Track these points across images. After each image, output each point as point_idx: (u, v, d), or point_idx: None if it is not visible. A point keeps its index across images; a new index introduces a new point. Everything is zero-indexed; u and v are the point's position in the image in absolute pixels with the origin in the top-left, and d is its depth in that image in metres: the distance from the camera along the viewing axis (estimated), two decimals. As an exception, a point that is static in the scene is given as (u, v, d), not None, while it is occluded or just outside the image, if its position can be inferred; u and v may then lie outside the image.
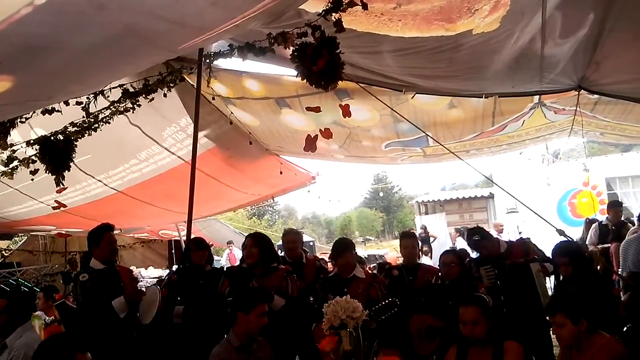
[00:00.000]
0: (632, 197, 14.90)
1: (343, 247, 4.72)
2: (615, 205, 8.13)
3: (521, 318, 4.53)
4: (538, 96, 5.88)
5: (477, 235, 5.15)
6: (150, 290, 4.63)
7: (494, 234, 9.15)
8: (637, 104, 5.76)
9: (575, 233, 8.08)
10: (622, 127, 7.45)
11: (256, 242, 4.68)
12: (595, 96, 5.67)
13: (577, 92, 5.44)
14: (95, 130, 5.10)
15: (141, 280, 10.32)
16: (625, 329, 3.87)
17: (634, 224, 7.01)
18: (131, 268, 12.22)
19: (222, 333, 3.72)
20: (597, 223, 8.14)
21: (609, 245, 7.25)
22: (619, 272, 5.54)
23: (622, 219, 7.98)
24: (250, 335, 3.57)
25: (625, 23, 3.81)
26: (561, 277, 4.75)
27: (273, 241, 5.29)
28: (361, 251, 20.93)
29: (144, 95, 4.97)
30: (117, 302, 4.28)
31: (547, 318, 3.09)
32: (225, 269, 5.39)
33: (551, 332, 4.93)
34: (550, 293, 4.69)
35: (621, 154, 16.94)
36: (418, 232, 15.90)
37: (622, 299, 4.72)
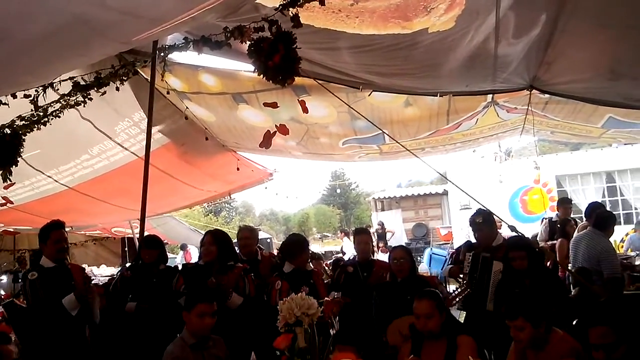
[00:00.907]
0: (581, 194, 15.43)
1: (304, 245, 4.80)
2: (564, 202, 8.39)
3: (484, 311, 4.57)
4: (491, 95, 6.00)
5: (480, 218, 4.93)
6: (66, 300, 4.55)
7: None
8: (586, 104, 5.93)
9: (526, 229, 8.29)
10: (572, 126, 7.68)
11: (215, 240, 4.62)
12: (547, 96, 5.81)
13: (529, 92, 5.58)
14: (44, 124, 4.92)
15: (94, 279, 10.07)
16: (574, 322, 3.99)
17: (582, 220, 7.23)
18: (83, 266, 11.95)
19: (176, 331, 3.64)
20: (547, 219, 8.38)
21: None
22: (569, 268, 5.70)
23: (572, 215, 8.24)
24: (201, 334, 3.51)
25: (576, 23, 3.91)
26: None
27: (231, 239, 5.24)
28: (318, 247, 21.02)
29: (95, 89, 4.82)
30: (67, 300, 4.19)
31: (507, 320, 3.09)
32: (181, 266, 5.28)
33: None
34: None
35: (571, 153, 17.53)
36: (375, 228, 16.07)
37: (572, 293, 4.88)
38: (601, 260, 5.30)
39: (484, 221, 4.85)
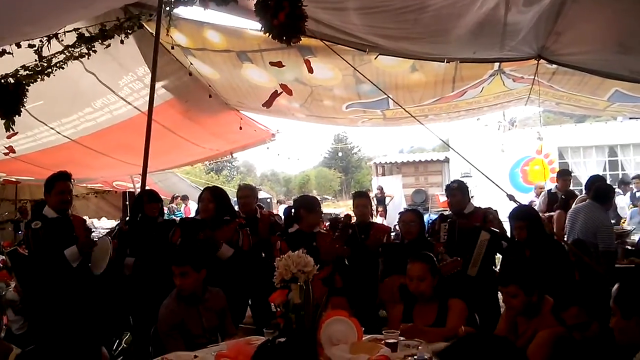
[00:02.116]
0: (583, 167, 15.45)
1: (316, 204, 4.75)
2: (564, 174, 8.41)
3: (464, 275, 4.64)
4: (498, 63, 5.95)
5: (455, 184, 5.12)
6: (101, 241, 4.58)
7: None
8: (593, 76, 5.88)
9: (525, 199, 8.34)
10: (577, 98, 7.63)
11: (214, 197, 4.68)
12: (554, 66, 5.75)
13: (536, 61, 5.52)
14: (48, 75, 4.90)
15: (94, 231, 10.18)
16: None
17: (581, 193, 7.26)
18: (84, 218, 12.06)
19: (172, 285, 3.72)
20: (546, 191, 8.41)
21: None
22: (565, 240, 5.75)
23: (571, 187, 8.27)
24: (191, 291, 3.58)
25: (588, -5, 3.87)
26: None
27: (230, 197, 5.30)
28: (318, 210, 21.12)
29: (100, 41, 4.78)
30: (69, 252, 4.23)
31: (500, 287, 3.14)
32: (179, 220, 5.35)
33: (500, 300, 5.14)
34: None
35: (575, 125, 17.48)
36: (374, 192, 16.13)
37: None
38: (598, 233, 5.34)
39: (458, 187, 5.05)
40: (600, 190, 5.78)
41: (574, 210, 5.99)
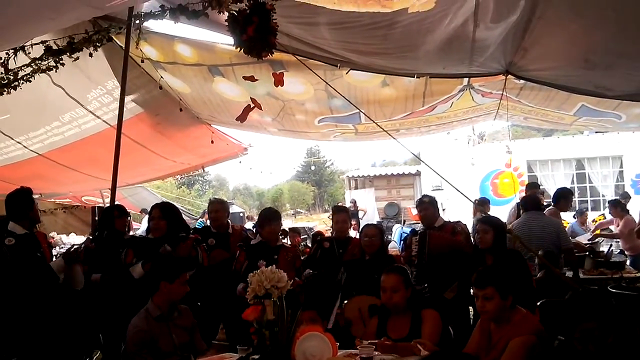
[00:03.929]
0: (551, 179, 15.77)
1: (273, 216, 4.82)
2: (532, 187, 8.56)
3: (439, 288, 4.69)
4: (467, 79, 6.04)
5: (427, 198, 5.28)
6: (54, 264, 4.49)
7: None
8: (560, 91, 6.03)
9: (496, 212, 8.45)
10: (545, 113, 7.80)
11: (164, 215, 4.51)
12: (522, 81, 5.88)
13: (504, 77, 5.64)
14: (14, 88, 4.80)
15: (62, 247, 9.95)
16: (538, 304, 4.09)
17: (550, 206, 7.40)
18: (52, 234, 11.79)
19: (139, 303, 3.62)
20: (515, 203, 8.53)
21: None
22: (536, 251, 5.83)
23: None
24: (172, 303, 3.54)
25: (553, 11, 3.96)
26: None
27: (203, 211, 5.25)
28: (291, 223, 21.07)
29: (68, 54, 4.71)
30: (55, 264, 4.21)
31: (474, 289, 3.13)
32: (127, 239, 5.15)
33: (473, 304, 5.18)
34: None
35: (543, 139, 17.86)
36: (348, 205, 16.18)
37: (538, 275, 5.00)
38: (560, 233, 5.69)
39: (429, 202, 5.19)
40: (557, 192, 6.50)
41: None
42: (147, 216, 14.19)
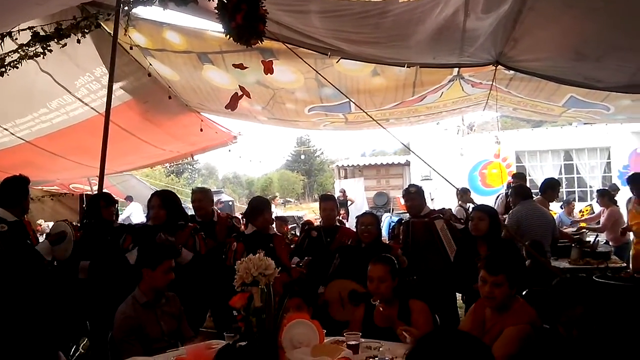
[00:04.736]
0: (539, 170, 15.88)
1: (263, 206, 4.80)
2: (519, 177, 8.65)
3: (426, 277, 4.74)
4: (457, 69, 6.06)
5: (414, 188, 5.38)
6: (58, 225, 4.58)
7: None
8: (549, 82, 6.06)
9: (482, 202, 8.51)
10: (534, 104, 7.84)
11: (164, 204, 4.54)
12: (511, 72, 5.90)
13: (494, 67, 5.66)
14: (1, 74, 4.78)
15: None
16: (524, 292, 4.14)
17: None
18: (39, 222, 11.71)
19: (128, 290, 3.64)
20: (503, 193, 8.59)
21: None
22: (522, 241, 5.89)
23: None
24: (157, 290, 3.55)
25: (544, 3, 3.97)
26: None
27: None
28: (281, 212, 21.12)
29: (55, 40, 4.67)
30: (41, 246, 4.23)
31: (483, 274, 3.12)
32: (126, 226, 5.17)
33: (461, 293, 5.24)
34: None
35: (531, 129, 17.92)
36: (337, 195, 16.21)
37: (526, 264, 5.06)
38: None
39: (416, 192, 5.30)
40: (545, 182, 6.69)
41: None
42: (131, 203, 14.20)
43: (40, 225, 11.49)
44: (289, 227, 9.47)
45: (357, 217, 5.04)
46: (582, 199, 15.07)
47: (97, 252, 4.54)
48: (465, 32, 4.60)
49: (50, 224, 12.25)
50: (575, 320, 2.50)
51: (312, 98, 7.12)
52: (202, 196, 5.31)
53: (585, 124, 13.69)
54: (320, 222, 5.73)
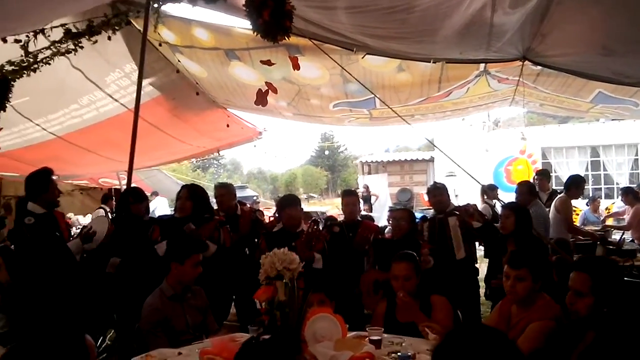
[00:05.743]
0: (565, 167, 15.64)
1: (290, 201, 4.86)
2: (542, 174, 8.52)
3: (448, 271, 4.73)
4: (484, 64, 6.01)
5: (438, 184, 5.42)
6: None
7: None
8: (576, 78, 5.97)
9: (508, 198, 8.43)
10: (561, 100, 7.73)
11: (191, 196, 4.63)
12: (539, 67, 5.83)
13: (521, 63, 5.59)
14: (34, 71, 4.88)
15: (79, 228, 10.08)
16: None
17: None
18: (69, 215, 11.96)
19: (156, 283, 3.71)
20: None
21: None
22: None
23: (554, 187, 8.39)
24: (185, 284, 3.60)
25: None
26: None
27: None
28: (305, 208, 21.15)
29: (87, 37, 4.77)
30: (72, 245, 4.30)
31: (507, 269, 3.12)
32: (155, 217, 5.27)
33: (482, 288, 5.22)
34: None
35: (558, 125, 17.64)
36: (360, 190, 16.19)
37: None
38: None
39: (439, 188, 5.33)
40: (569, 179, 6.59)
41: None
42: (156, 198, 14.37)
43: (70, 219, 11.73)
44: (310, 222, 9.48)
45: (389, 210, 5.08)
46: (608, 196, 14.81)
47: (127, 247, 4.63)
48: (492, 27, 4.57)
49: (80, 217, 12.54)
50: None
51: (337, 94, 7.13)
52: (224, 191, 5.39)
53: (613, 120, 13.44)
54: (342, 217, 5.75)
